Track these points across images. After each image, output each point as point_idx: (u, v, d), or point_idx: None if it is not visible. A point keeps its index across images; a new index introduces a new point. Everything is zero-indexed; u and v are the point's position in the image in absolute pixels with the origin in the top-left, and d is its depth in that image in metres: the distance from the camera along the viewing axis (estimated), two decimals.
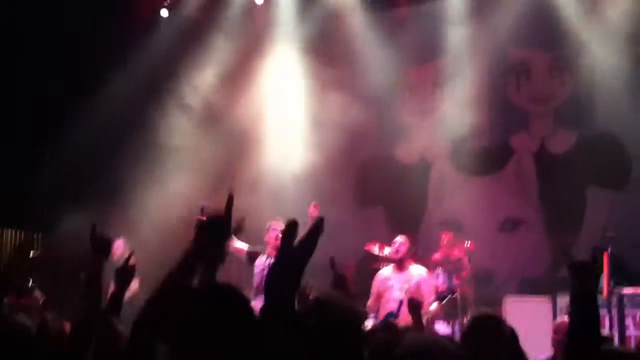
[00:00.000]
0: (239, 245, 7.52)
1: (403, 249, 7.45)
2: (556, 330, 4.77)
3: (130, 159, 10.16)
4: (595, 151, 9.64)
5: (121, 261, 3.33)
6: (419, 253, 8.36)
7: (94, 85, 10.25)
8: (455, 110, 10.56)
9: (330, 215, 10.15)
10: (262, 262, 7.44)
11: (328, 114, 10.62)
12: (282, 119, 10.84)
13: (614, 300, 7.34)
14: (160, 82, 10.83)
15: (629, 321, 7.55)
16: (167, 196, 10.08)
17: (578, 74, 9.95)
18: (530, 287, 8.17)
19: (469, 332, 3.16)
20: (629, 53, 9.39)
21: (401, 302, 6.95)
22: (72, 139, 10.02)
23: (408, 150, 10.81)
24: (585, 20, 9.77)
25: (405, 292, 7.08)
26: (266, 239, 7.47)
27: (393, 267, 7.56)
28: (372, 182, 10.76)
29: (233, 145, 10.56)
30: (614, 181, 9.48)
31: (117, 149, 10.32)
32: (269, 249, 7.44)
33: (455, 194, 10.35)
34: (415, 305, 4.66)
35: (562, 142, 10.00)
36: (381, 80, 10.87)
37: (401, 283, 7.34)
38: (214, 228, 2.23)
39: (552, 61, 10.18)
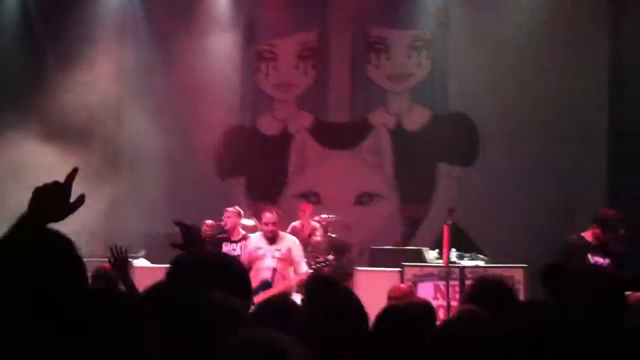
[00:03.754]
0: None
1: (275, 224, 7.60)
2: (389, 295, 5.05)
3: None
4: (448, 130, 10.15)
5: None
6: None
7: None
8: (317, 84, 10.82)
9: (189, 184, 10.20)
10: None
11: (188, 82, 10.56)
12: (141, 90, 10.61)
13: (455, 271, 7.75)
14: None
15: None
16: None
17: (435, 54, 10.40)
18: (381, 259, 8.50)
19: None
20: (485, 35, 9.89)
21: (275, 270, 7.06)
22: None
23: (270, 122, 10.93)
24: (446, 2, 10.21)
25: (278, 260, 7.18)
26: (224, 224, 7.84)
27: (261, 236, 7.61)
28: (233, 152, 10.79)
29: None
30: (463, 158, 10.03)
31: None
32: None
33: (315, 167, 10.61)
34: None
35: (417, 120, 10.44)
36: (245, 50, 10.93)
37: (272, 251, 7.42)
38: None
39: (410, 40, 10.55)
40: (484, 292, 3.56)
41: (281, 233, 7.57)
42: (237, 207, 8.04)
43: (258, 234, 7.62)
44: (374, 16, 10.66)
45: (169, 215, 9.19)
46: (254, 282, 7.28)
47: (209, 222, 8.06)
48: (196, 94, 10.69)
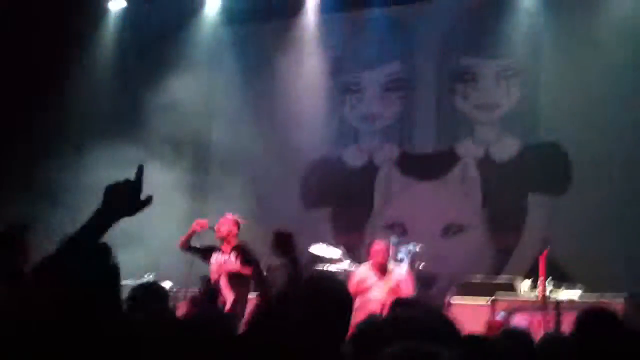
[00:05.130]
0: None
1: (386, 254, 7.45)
2: (487, 328, 4.86)
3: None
4: (538, 159, 9.83)
5: None
6: (363, 255, 8.38)
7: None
8: (403, 115, 10.73)
9: (275, 214, 10.22)
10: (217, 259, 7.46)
11: (278, 112, 10.67)
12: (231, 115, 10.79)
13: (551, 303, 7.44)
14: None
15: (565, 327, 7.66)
16: None
17: (524, 83, 10.15)
18: (472, 290, 8.23)
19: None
20: (576, 62, 9.59)
21: (383, 303, 6.72)
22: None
23: (356, 153, 10.86)
24: (535, 29, 9.97)
25: (387, 292, 7.01)
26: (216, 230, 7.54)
27: (370, 267, 7.47)
28: (319, 183, 10.77)
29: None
30: (555, 187, 9.66)
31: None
32: (224, 245, 7.49)
33: (401, 198, 10.44)
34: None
35: (505, 150, 10.16)
36: (331, 82, 10.97)
37: (380, 284, 7.26)
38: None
39: (499, 69, 10.34)
40: (591, 321, 3.35)
41: (390, 265, 7.42)
42: (237, 216, 7.67)
43: (366, 264, 7.48)
44: (460, 46, 10.54)
45: (251, 240, 9.31)
46: (361, 315, 7.09)
47: (202, 220, 7.63)
48: (283, 128, 10.76)
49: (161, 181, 9.81)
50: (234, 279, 7.19)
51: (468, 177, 10.24)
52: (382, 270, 7.45)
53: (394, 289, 7.18)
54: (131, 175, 2.13)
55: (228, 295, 7.09)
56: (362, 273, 7.52)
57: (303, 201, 10.87)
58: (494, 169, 10.11)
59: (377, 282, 7.36)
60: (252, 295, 7.44)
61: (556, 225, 9.33)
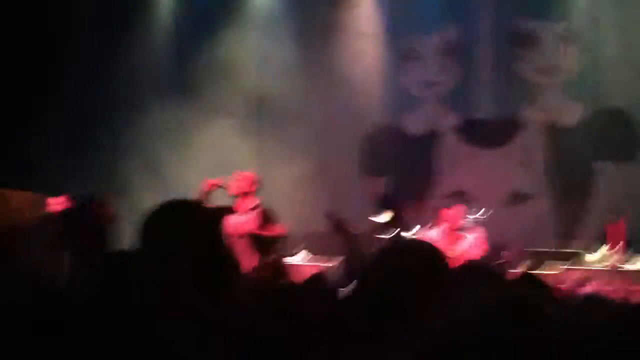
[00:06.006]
0: None
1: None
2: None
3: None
4: (604, 124, 9.63)
5: None
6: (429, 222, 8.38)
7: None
8: (463, 81, 10.56)
9: (336, 185, 10.21)
10: None
11: (331, 81, 10.61)
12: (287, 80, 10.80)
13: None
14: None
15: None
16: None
17: (588, 45, 9.90)
18: (540, 260, 8.16)
19: None
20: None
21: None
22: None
23: (415, 121, 10.76)
24: None
25: (458, 257, 7.04)
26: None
27: (442, 231, 7.50)
28: (377, 152, 10.71)
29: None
30: (622, 154, 9.47)
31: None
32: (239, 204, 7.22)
33: (463, 166, 10.34)
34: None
35: (570, 115, 9.97)
36: (388, 48, 10.84)
37: (447, 250, 7.28)
38: None
39: (561, 32, 10.09)
40: None
41: (459, 232, 7.43)
42: (252, 173, 7.33)
43: (436, 229, 7.48)
44: (520, 9, 10.29)
45: (312, 213, 9.32)
46: None
47: (212, 180, 7.15)
48: (339, 96, 10.70)
49: (222, 143, 9.97)
50: (255, 241, 6.86)
51: (532, 143, 10.08)
52: (454, 235, 7.47)
53: (462, 256, 7.18)
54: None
55: (247, 260, 6.35)
56: (433, 237, 7.55)
57: (362, 168, 10.83)
58: (558, 135, 9.94)
59: (445, 249, 7.35)
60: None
61: (625, 193, 9.17)
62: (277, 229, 7.11)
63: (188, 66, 10.87)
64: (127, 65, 10.54)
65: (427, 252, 2.37)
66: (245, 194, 7.14)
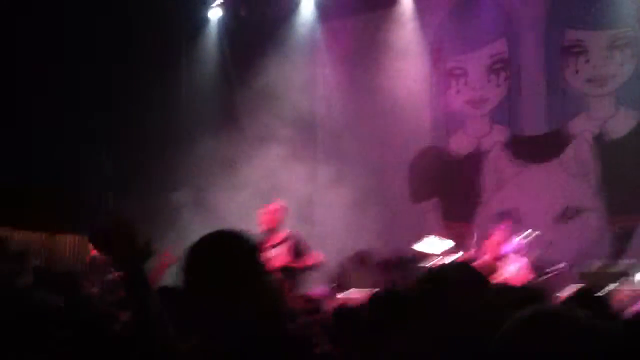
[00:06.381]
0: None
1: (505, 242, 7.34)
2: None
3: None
4: None
5: None
6: (475, 244, 8.21)
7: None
8: (511, 95, 10.35)
9: (384, 208, 10.11)
10: None
11: (377, 105, 10.59)
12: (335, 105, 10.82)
13: None
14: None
15: None
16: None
17: (637, 52, 9.55)
18: (591, 279, 7.85)
19: None
20: None
21: None
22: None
23: (463, 139, 10.60)
24: None
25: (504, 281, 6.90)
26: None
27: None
28: (426, 174, 10.59)
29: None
30: None
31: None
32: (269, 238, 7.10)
33: (512, 183, 10.10)
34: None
35: (623, 124, 9.60)
36: (434, 67, 10.75)
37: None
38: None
39: (610, 40, 9.77)
40: None
41: (507, 255, 7.26)
42: (280, 202, 7.19)
43: (484, 254, 7.33)
44: (566, 18, 10.03)
45: (361, 238, 9.26)
46: None
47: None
48: (385, 117, 10.66)
49: (274, 170, 10.05)
50: (289, 274, 6.79)
51: (583, 156, 9.75)
52: (499, 259, 7.25)
53: (511, 279, 6.98)
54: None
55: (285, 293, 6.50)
56: (480, 261, 7.38)
57: (410, 190, 10.73)
58: (611, 145, 9.58)
59: (496, 270, 7.19)
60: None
61: None
62: (311, 259, 7.08)
63: (236, 97, 11.06)
64: (176, 99, 10.80)
65: (467, 277, 2.32)
66: (273, 228, 7.12)
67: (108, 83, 10.53)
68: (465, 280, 2.26)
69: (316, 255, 7.13)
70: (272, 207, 7.26)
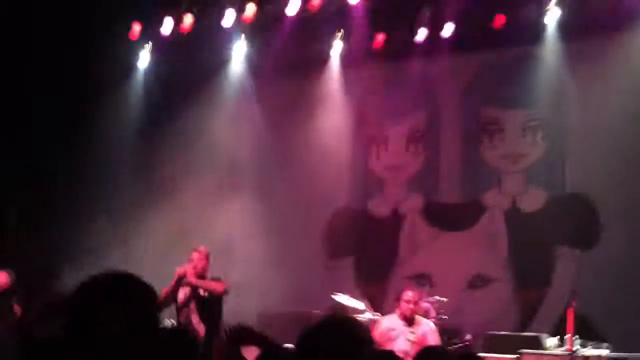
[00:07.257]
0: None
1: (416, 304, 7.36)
2: None
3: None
4: (566, 211, 9.69)
5: None
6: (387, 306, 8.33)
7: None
8: (428, 165, 10.70)
9: (298, 264, 10.19)
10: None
11: (303, 162, 10.74)
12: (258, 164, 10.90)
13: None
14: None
15: None
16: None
17: (550, 133, 10.07)
18: (497, 345, 8.08)
19: None
20: (602, 111, 9.48)
21: (407, 354, 6.56)
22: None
23: (381, 203, 10.84)
24: (559, 78, 9.90)
25: (412, 344, 6.92)
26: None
27: (396, 316, 7.36)
28: (342, 233, 10.75)
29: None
30: (583, 241, 9.49)
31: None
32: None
33: (426, 249, 10.36)
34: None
35: (532, 201, 10.05)
36: (356, 132, 11.02)
37: (406, 333, 7.16)
38: None
39: (524, 120, 10.28)
40: None
41: (417, 316, 7.33)
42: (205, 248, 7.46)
43: (392, 315, 7.38)
44: (484, 97, 10.52)
45: (274, 294, 9.25)
46: None
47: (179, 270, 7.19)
48: (307, 173, 10.80)
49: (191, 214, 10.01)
50: (203, 306, 7.15)
51: (494, 228, 10.13)
52: (409, 320, 7.33)
53: (420, 341, 7.07)
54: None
55: (200, 326, 7.10)
56: (388, 323, 7.43)
57: (327, 249, 10.84)
58: (521, 220, 9.99)
59: (403, 332, 7.25)
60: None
61: (584, 279, 9.17)
62: (214, 284, 7.22)
63: (156, 143, 11.02)
64: (100, 139, 10.64)
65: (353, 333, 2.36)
66: (205, 270, 7.35)
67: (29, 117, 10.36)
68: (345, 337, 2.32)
69: (221, 284, 7.22)
70: (204, 250, 7.39)
